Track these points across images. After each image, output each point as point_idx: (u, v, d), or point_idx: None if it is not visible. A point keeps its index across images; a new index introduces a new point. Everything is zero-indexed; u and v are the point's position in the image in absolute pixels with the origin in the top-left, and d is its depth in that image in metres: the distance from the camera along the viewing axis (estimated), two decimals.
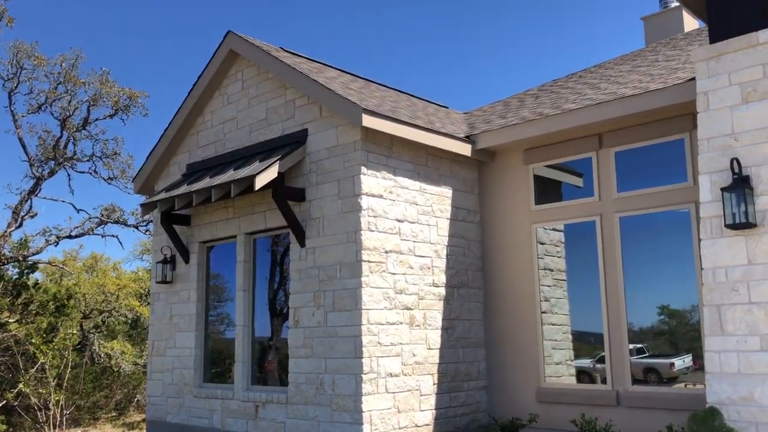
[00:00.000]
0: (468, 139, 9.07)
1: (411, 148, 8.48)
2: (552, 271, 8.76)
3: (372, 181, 7.89)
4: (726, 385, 5.50)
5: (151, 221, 15.81)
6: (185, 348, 9.59)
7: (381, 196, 7.99)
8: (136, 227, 20.05)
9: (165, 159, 10.42)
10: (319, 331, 7.90)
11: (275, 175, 7.94)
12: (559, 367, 8.53)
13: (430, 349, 8.32)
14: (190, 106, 9.98)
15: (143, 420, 15.62)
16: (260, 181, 7.77)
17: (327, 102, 8.09)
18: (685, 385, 7.57)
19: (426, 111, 10.06)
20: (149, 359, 10.30)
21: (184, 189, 8.99)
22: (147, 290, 20.71)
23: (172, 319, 9.89)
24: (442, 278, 8.64)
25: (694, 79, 6.48)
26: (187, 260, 9.76)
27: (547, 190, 8.92)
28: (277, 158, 8.05)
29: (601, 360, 8.07)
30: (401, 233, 8.18)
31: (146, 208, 9.54)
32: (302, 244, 8.21)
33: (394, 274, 8.00)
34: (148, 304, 14.86)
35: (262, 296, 8.98)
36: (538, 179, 8.95)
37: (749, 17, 5.92)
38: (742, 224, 5.53)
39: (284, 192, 8.16)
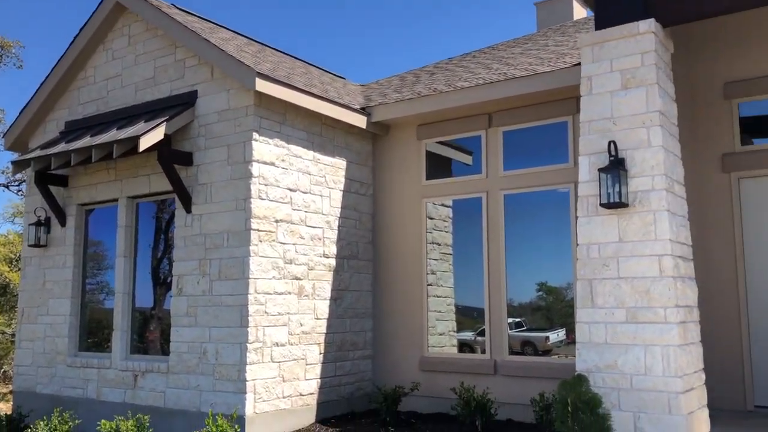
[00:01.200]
0: (363, 111, 9.07)
1: (306, 116, 8.38)
2: (439, 245, 8.98)
3: (264, 147, 7.73)
4: (594, 354, 5.86)
5: (24, 181, 14.83)
6: (59, 315, 9.09)
7: (273, 164, 7.85)
8: (7, 187, 18.73)
9: (41, 114, 9.73)
10: (203, 299, 7.71)
11: (161, 136, 7.61)
12: (442, 337, 8.80)
13: (318, 319, 8.33)
14: (70, 60, 9.35)
15: (10, 392, 14.73)
16: (145, 143, 7.43)
17: (219, 63, 7.81)
18: (558, 356, 8.01)
19: (322, 80, 9.95)
20: (18, 327, 9.69)
21: (61, 147, 8.45)
22: (18, 255, 19.43)
23: (46, 284, 9.33)
24: (333, 249, 8.65)
25: (579, 64, 6.77)
26: (63, 223, 9.22)
27: (438, 166, 9.10)
28: (163, 119, 7.72)
29: (482, 333, 8.39)
30: (293, 203, 8.09)
31: (18, 166, 8.90)
32: (188, 210, 7.95)
33: (284, 243, 7.91)
34: (19, 269, 13.95)
35: (144, 264, 8.63)
36: (430, 155, 9.10)
37: (631, 8, 6.23)
38: (616, 204, 5.87)
39: (170, 155, 7.85)
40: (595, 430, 5.02)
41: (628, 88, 6.07)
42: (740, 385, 7.51)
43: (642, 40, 6.07)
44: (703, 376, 5.98)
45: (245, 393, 7.24)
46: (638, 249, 5.80)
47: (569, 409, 5.10)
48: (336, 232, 8.73)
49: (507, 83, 8.11)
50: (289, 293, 7.94)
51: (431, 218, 9.02)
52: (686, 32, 7.62)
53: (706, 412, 5.90)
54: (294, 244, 8.06)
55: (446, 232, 9.02)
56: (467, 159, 8.92)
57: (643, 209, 5.83)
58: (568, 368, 7.43)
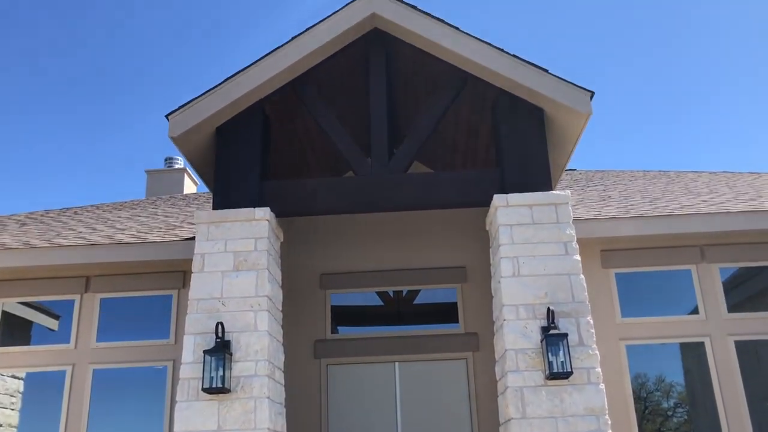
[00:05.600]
0: None
1: None
2: (1, 426, 7.44)
3: None
4: None
5: None
6: None
7: None
8: None
9: None
10: None
11: None
12: None
13: None
14: None
15: None
16: None
17: None
18: None
19: None
20: None
21: None
22: None
23: None
24: None
25: (192, 238, 6.67)
26: None
27: (16, 330, 7.77)
28: None
29: None
30: None
31: None
32: None
33: None
34: None
35: None
36: (7, 316, 7.76)
37: (250, 195, 6.48)
38: (218, 389, 5.61)
39: None
40: None
41: (240, 270, 6.12)
42: None
43: (257, 226, 6.28)
44: None
45: None
46: None
47: None
48: None
49: (111, 248, 7.54)
50: None
51: None
52: (292, 224, 8.23)
53: None
54: None
55: (13, 410, 7.55)
56: (53, 324, 7.83)
57: (245, 395, 5.69)
58: None
